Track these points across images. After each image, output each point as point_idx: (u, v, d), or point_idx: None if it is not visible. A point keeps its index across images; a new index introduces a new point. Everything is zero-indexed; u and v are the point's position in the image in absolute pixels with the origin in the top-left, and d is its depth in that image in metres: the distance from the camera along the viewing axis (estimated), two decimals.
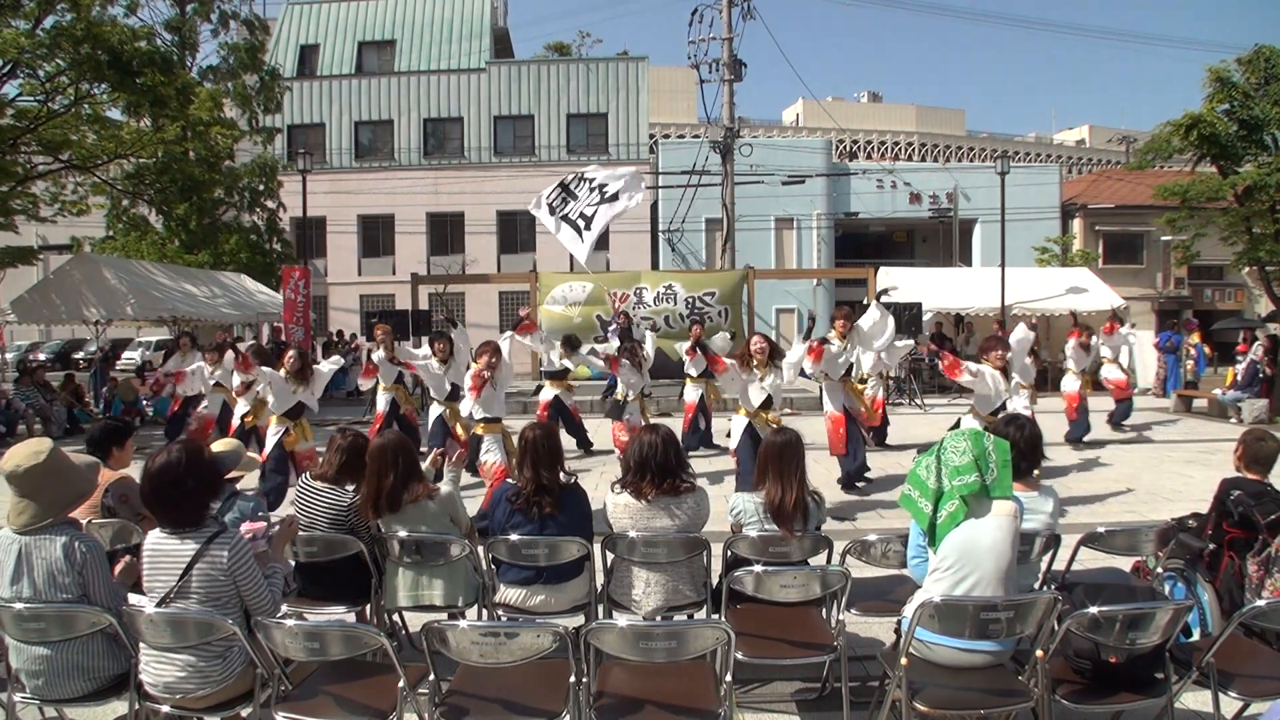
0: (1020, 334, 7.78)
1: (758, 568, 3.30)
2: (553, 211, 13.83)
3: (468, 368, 6.99)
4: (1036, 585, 3.52)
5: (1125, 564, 4.14)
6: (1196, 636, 3.40)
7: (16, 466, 2.76)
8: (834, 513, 6.26)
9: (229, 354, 9.01)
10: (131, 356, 25.75)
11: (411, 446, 3.79)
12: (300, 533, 3.57)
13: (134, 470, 3.62)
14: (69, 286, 13.41)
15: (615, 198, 13.41)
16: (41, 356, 23.69)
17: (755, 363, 6.68)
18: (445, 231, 26.26)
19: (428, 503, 3.63)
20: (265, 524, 3.19)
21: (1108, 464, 9.00)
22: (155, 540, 2.74)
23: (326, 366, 7.49)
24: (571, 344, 9.52)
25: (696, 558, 3.59)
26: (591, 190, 13.69)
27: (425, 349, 8.03)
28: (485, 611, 3.69)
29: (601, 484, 7.05)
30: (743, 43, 23.70)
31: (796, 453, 3.62)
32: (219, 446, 3.93)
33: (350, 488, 3.78)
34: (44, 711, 3.18)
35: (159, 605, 2.69)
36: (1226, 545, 3.59)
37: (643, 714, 2.66)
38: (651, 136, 29.07)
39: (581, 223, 13.60)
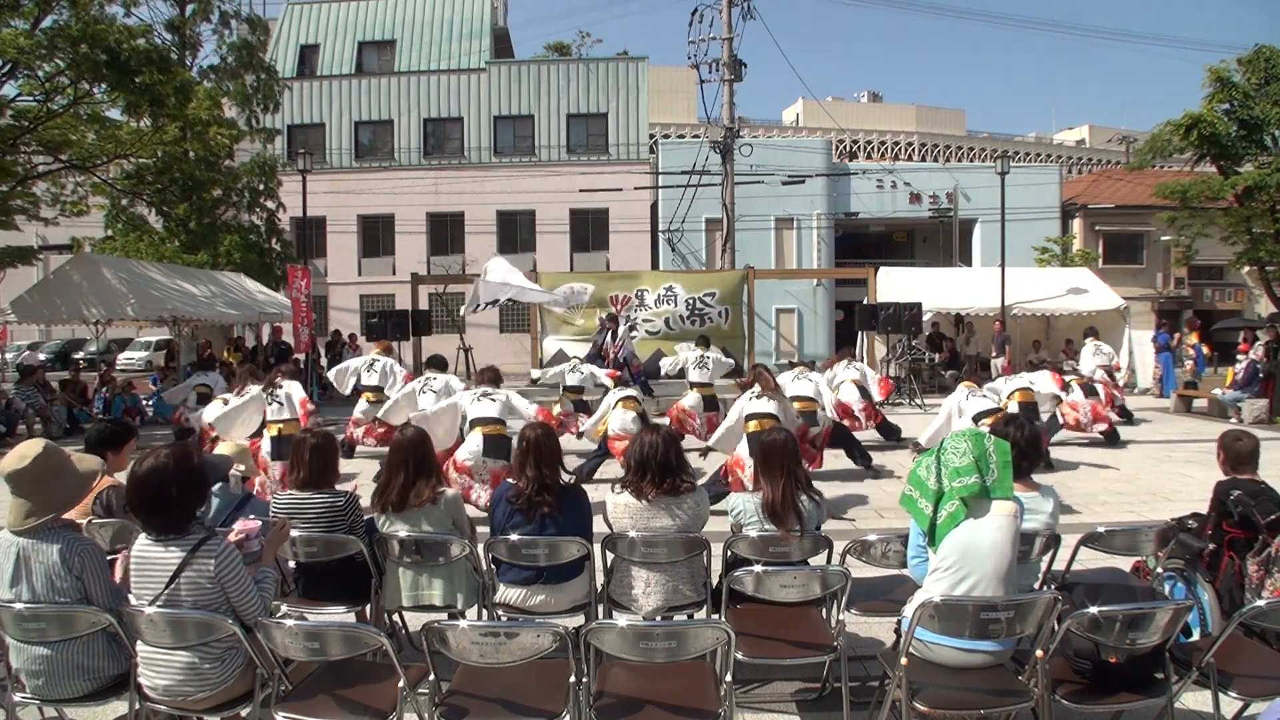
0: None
1: (758, 568, 3.30)
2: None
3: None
4: (1036, 585, 3.52)
5: (1125, 564, 4.14)
6: (1196, 636, 3.40)
7: (9, 468, 2.77)
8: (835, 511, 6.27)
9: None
10: (131, 357, 25.69)
11: (430, 445, 3.79)
12: (299, 533, 3.57)
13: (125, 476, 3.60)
14: (69, 286, 13.39)
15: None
16: (41, 357, 23.66)
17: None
18: (445, 231, 26.26)
19: (431, 504, 3.63)
20: (260, 523, 3.20)
21: (1108, 464, 8.99)
22: (141, 548, 2.72)
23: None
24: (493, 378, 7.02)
25: (696, 558, 3.58)
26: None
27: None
28: (485, 611, 3.68)
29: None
30: (743, 43, 23.71)
31: (782, 453, 3.61)
32: (223, 449, 3.94)
33: (339, 487, 3.76)
34: (44, 711, 3.17)
35: None
36: (1226, 545, 3.59)
37: (643, 714, 2.66)
38: (651, 136, 29.06)
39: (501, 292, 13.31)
